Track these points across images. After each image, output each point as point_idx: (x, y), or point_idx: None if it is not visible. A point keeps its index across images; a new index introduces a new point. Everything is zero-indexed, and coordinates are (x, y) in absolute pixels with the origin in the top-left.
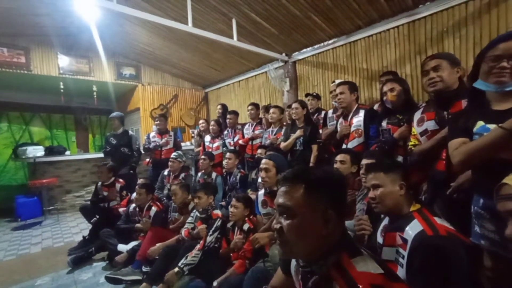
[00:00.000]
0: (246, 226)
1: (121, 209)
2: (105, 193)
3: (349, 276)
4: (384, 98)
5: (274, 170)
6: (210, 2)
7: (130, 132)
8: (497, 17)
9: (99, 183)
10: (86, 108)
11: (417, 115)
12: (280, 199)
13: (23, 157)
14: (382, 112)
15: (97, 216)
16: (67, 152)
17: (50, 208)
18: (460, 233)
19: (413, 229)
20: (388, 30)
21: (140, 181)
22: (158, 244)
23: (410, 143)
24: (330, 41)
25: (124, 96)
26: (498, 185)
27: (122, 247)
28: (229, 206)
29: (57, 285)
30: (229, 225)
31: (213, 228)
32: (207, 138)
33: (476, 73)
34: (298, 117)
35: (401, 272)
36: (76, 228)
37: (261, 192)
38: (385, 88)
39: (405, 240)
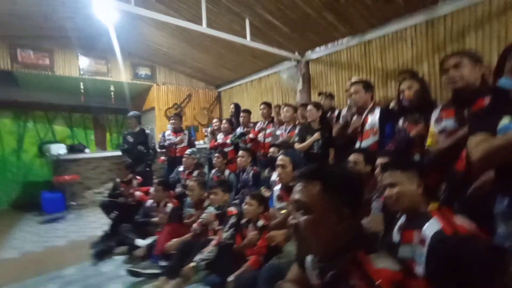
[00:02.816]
0: (260, 223)
1: (137, 193)
2: (123, 189)
3: (366, 272)
4: (401, 96)
5: (291, 167)
6: (223, 2)
7: (147, 130)
8: (506, 21)
9: (118, 180)
10: (104, 107)
11: (435, 114)
12: (296, 195)
13: (47, 154)
14: (399, 110)
15: (116, 212)
16: (87, 150)
17: (73, 203)
18: (483, 234)
19: (431, 227)
20: (405, 28)
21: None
22: (174, 240)
23: (428, 143)
24: (344, 40)
25: (140, 95)
26: None
27: (140, 242)
28: (243, 203)
29: (82, 276)
30: (243, 221)
31: (228, 225)
32: (220, 136)
33: (501, 71)
34: (313, 119)
35: (419, 269)
36: (97, 223)
37: (277, 187)
38: (403, 86)
39: (423, 239)
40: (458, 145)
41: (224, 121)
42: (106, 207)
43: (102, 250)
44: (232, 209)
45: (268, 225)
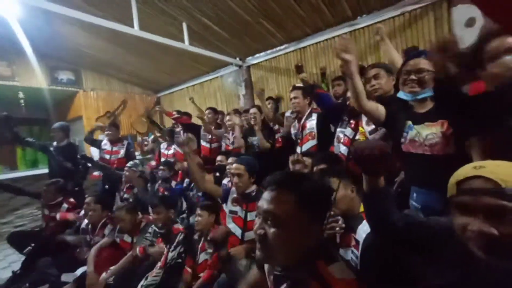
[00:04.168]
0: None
1: (58, 214)
2: (47, 212)
3: (325, 282)
4: (348, 102)
5: (247, 174)
6: (157, 4)
7: (77, 144)
8: (417, 31)
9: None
10: (10, 117)
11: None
12: (266, 205)
13: None
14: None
15: (32, 245)
16: None
17: None
18: None
19: (364, 229)
20: (333, 37)
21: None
22: (106, 273)
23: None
24: (282, 47)
25: (62, 103)
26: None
27: (67, 277)
28: (194, 216)
29: None
30: (196, 236)
31: (174, 244)
32: (163, 145)
33: (398, 85)
34: (256, 122)
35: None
36: (3, 262)
37: (233, 189)
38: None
39: (357, 241)
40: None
41: (167, 132)
42: (18, 240)
43: None
44: (179, 226)
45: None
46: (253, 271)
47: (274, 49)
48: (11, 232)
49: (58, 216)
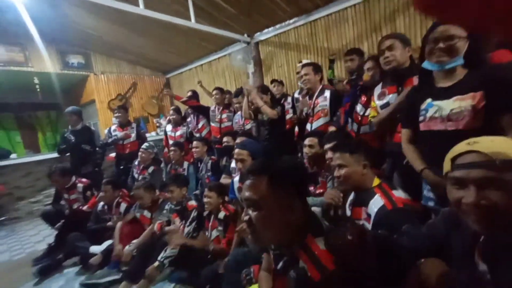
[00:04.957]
0: (221, 214)
1: (85, 207)
2: (66, 195)
3: (313, 254)
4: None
5: (250, 159)
6: None
7: (92, 127)
8: None
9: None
10: (29, 103)
11: (377, 90)
12: (246, 193)
13: None
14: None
15: (62, 221)
16: (13, 155)
17: (2, 218)
18: (414, 201)
19: (375, 204)
20: (346, 8)
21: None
22: (129, 246)
23: (370, 115)
24: (291, 21)
25: (75, 87)
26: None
27: (95, 249)
28: (203, 197)
29: None
30: (204, 214)
31: (189, 219)
32: (169, 127)
33: (424, 54)
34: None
35: None
36: (38, 236)
37: (237, 178)
38: (366, 66)
39: (369, 215)
40: (394, 118)
41: (171, 112)
42: (50, 217)
43: (48, 265)
44: (192, 203)
45: (230, 216)
46: (265, 257)
47: (283, 23)
48: (43, 209)
49: (85, 207)
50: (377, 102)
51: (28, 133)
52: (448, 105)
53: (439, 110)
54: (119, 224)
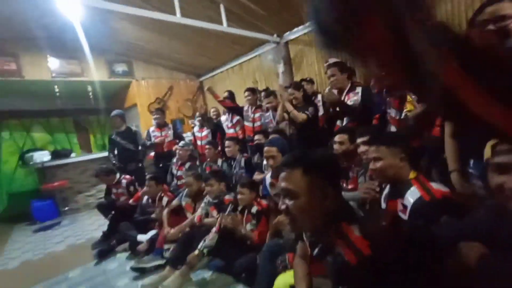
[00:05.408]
0: (254, 209)
1: (130, 201)
2: (115, 190)
3: (348, 240)
4: None
5: (280, 155)
6: None
7: (133, 128)
8: None
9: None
10: (84, 109)
11: None
12: (282, 184)
13: (31, 163)
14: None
15: (113, 212)
16: (73, 154)
17: (66, 209)
18: (455, 194)
19: (412, 195)
20: None
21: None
22: (175, 229)
23: (407, 109)
24: None
25: (120, 93)
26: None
27: (141, 237)
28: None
29: (88, 276)
30: (239, 208)
31: (226, 213)
32: (196, 128)
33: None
34: (297, 101)
35: None
36: (94, 225)
37: (269, 175)
38: None
39: (405, 206)
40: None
41: (197, 115)
42: (104, 208)
43: (104, 249)
44: (230, 197)
45: (264, 211)
46: (300, 245)
47: None
48: (98, 202)
49: (130, 201)
50: (413, 96)
51: (82, 135)
52: None
53: None
54: (166, 210)
